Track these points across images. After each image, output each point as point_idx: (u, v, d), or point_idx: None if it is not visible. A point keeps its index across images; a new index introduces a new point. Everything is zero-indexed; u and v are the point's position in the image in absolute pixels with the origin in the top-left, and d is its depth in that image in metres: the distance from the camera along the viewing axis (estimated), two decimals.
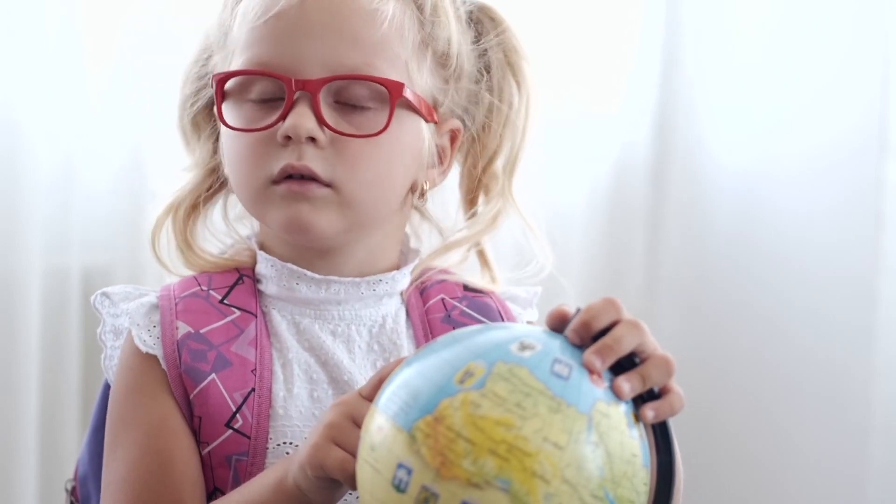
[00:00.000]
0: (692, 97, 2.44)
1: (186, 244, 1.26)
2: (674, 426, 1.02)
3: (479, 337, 0.99)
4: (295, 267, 1.22)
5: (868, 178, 2.27)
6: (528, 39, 2.24)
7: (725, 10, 2.43)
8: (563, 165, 2.35)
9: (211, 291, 1.23)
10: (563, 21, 2.31)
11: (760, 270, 2.39)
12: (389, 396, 0.98)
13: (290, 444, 1.17)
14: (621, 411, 0.97)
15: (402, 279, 1.26)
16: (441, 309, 1.26)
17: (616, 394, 0.97)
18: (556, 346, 0.98)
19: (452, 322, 1.25)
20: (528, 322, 1.30)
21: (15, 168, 1.98)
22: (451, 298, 1.27)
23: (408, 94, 1.18)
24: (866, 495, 2.29)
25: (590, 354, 0.98)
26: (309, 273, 1.22)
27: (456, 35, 1.23)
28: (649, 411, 0.99)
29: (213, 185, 1.27)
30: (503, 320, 1.27)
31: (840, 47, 2.32)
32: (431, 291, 1.27)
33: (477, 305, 1.28)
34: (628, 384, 0.98)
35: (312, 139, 1.16)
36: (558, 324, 1.01)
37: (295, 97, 1.16)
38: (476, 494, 0.92)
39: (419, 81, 1.21)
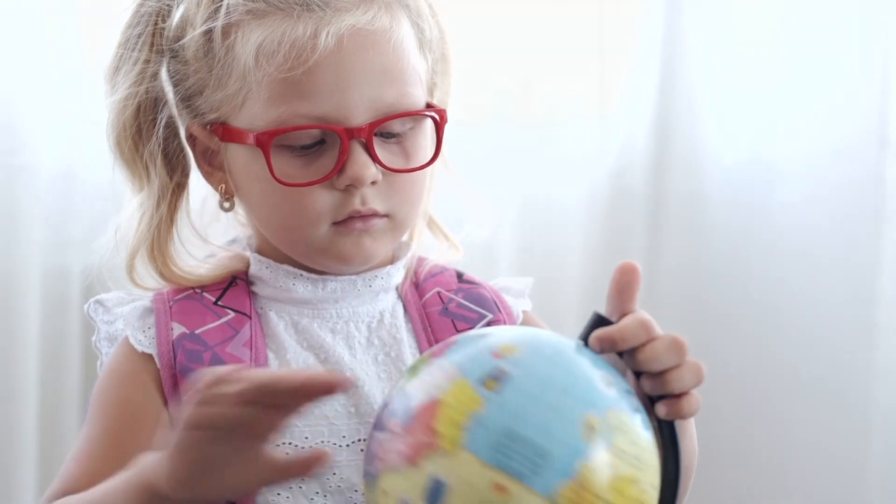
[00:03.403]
0: (692, 96, 2.43)
1: (172, 274, 1.23)
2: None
3: (557, 371, 0.97)
4: (290, 267, 1.22)
5: (868, 177, 2.27)
6: (528, 39, 2.26)
7: (725, 10, 2.42)
8: (563, 164, 2.35)
9: (205, 293, 1.23)
10: (562, 19, 2.31)
11: (760, 269, 2.39)
12: (495, 446, 0.94)
13: (290, 444, 1.17)
14: (637, 420, 0.99)
15: (397, 273, 1.26)
16: (438, 302, 1.26)
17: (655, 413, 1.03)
18: (615, 374, 1.00)
19: (450, 315, 1.25)
20: (523, 312, 1.30)
21: (15, 168, 1.98)
22: (447, 291, 1.27)
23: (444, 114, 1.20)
24: (866, 495, 2.29)
25: (662, 407, 1.03)
26: (305, 273, 1.22)
27: (434, 27, 1.23)
28: (662, 407, 1.02)
29: (172, 200, 1.24)
30: (499, 310, 1.27)
31: (840, 47, 2.31)
32: (426, 285, 1.27)
33: (473, 297, 1.28)
34: (665, 408, 1.03)
35: (373, 182, 1.17)
36: (608, 346, 1.02)
37: (349, 145, 1.15)
38: None
39: (425, 84, 1.21)
